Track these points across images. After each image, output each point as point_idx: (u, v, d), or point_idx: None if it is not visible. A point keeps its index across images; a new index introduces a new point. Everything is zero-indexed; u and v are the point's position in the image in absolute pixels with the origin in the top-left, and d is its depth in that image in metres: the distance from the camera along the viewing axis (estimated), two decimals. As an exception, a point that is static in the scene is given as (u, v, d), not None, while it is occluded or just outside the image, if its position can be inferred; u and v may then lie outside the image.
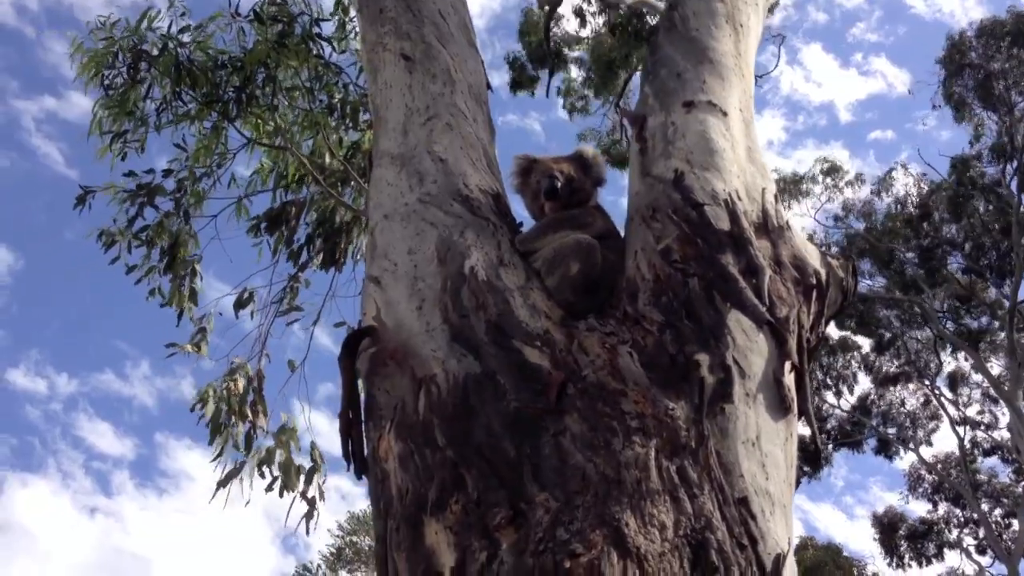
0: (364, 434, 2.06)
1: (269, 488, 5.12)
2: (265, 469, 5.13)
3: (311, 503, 5.15)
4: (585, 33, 13.64)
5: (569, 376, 1.91)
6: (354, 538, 25.51)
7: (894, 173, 21.86)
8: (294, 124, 5.51)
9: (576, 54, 14.13)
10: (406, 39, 3.11)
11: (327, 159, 5.39)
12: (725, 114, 2.73)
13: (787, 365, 2.05)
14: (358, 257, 5.83)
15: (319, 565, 25.93)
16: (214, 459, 5.19)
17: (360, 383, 2.17)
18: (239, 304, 5.69)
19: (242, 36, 5.40)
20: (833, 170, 22.02)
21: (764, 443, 1.89)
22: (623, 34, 11.78)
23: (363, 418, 2.08)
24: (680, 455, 1.74)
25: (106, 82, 5.35)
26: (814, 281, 2.31)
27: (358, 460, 2.06)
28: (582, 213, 2.54)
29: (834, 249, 22.05)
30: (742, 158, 2.63)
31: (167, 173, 5.62)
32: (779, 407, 1.98)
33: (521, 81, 14.21)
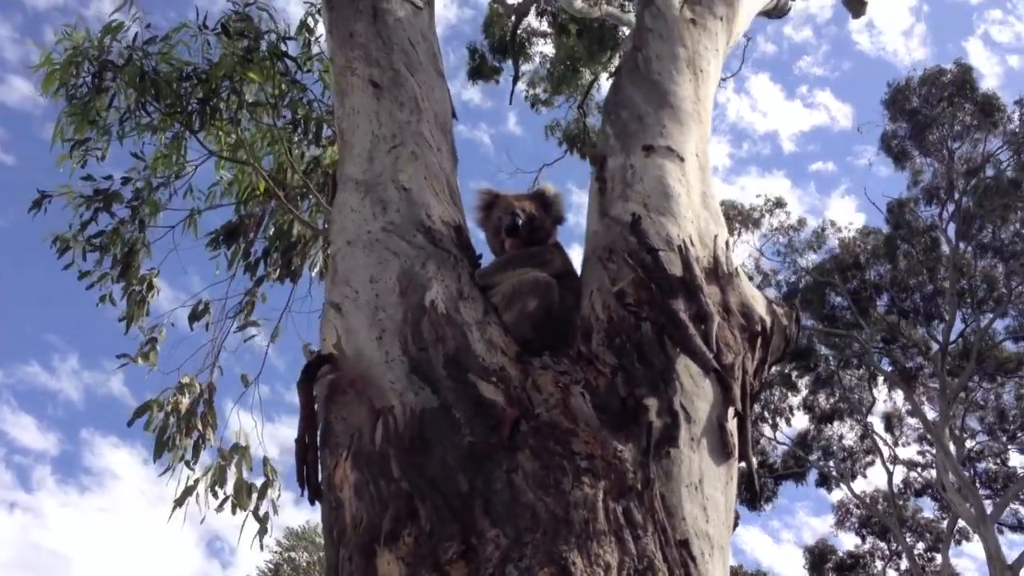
0: (320, 460, 2.11)
1: (220, 508, 5.12)
2: (217, 488, 5.12)
3: (263, 520, 5.15)
4: (548, 30, 13.69)
5: (523, 413, 1.97)
6: (292, 554, 25.33)
7: (830, 224, 22.67)
8: (256, 139, 5.52)
9: (540, 48, 14.19)
10: (375, 66, 3.16)
11: (288, 175, 5.41)
12: (682, 160, 2.83)
13: (731, 411, 2.14)
14: (314, 273, 5.86)
15: None
16: (162, 474, 5.18)
17: (317, 409, 2.21)
18: (194, 316, 5.69)
19: (207, 49, 5.41)
20: (779, 205, 22.68)
21: (706, 487, 1.97)
22: (587, 36, 11.99)
23: (319, 444, 2.13)
24: (627, 497, 1.82)
25: (70, 91, 5.32)
26: (759, 328, 2.40)
27: (312, 486, 2.10)
28: (542, 251, 2.62)
29: (779, 277, 22.64)
30: (696, 203, 2.72)
31: (125, 181, 5.61)
32: (721, 451, 2.07)
33: (482, 70, 14.20)
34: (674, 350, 2.15)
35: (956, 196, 20.54)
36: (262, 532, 5.15)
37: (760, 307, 2.48)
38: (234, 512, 5.11)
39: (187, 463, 5.22)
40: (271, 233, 5.59)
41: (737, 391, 2.17)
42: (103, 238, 5.52)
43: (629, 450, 1.90)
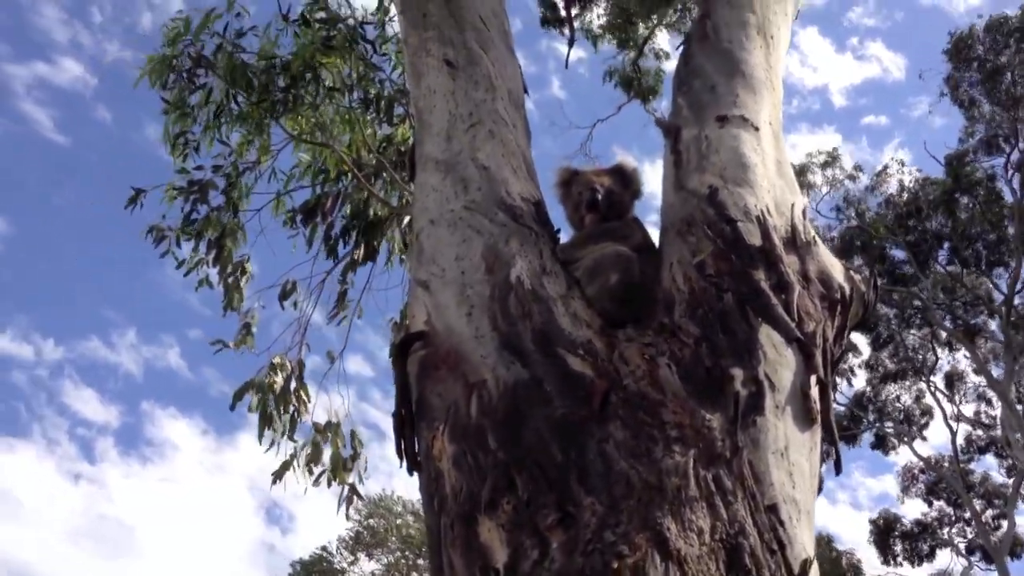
0: (416, 433, 2.21)
1: (316, 482, 5.33)
2: (312, 465, 5.32)
3: (353, 490, 5.33)
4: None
5: (611, 385, 2.05)
6: (371, 521, 26.11)
7: (889, 169, 22.18)
8: (333, 121, 5.64)
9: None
10: (449, 45, 3.23)
11: (363, 154, 5.53)
12: (757, 129, 2.85)
13: (813, 379, 2.18)
14: (393, 250, 5.99)
15: (338, 547, 26.67)
16: (267, 450, 5.39)
17: (411, 383, 2.31)
18: (283, 295, 5.87)
19: (288, 36, 5.56)
20: (832, 160, 22.33)
21: (792, 453, 2.03)
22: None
23: (415, 418, 2.23)
24: (716, 464, 1.88)
25: (169, 86, 5.52)
26: (838, 296, 2.44)
27: (410, 457, 2.20)
28: (621, 226, 2.67)
29: (832, 234, 22.32)
30: (772, 172, 2.75)
31: (216, 169, 5.79)
32: (805, 419, 2.12)
33: (550, 20, 14.90)
34: (756, 320, 2.20)
35: (1021, 144, 20.04)
36: (349, 501, 5.33)
37: (838, 274, 2.51)
38: (330, 485, 5.31)
39: (290, 437, 5.41)
40: (348, 212, 5.74)
41: (819, 359, 2.21)
42: (197, 224, 5.72)
43: (717, 419, 1.97)
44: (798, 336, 2.17)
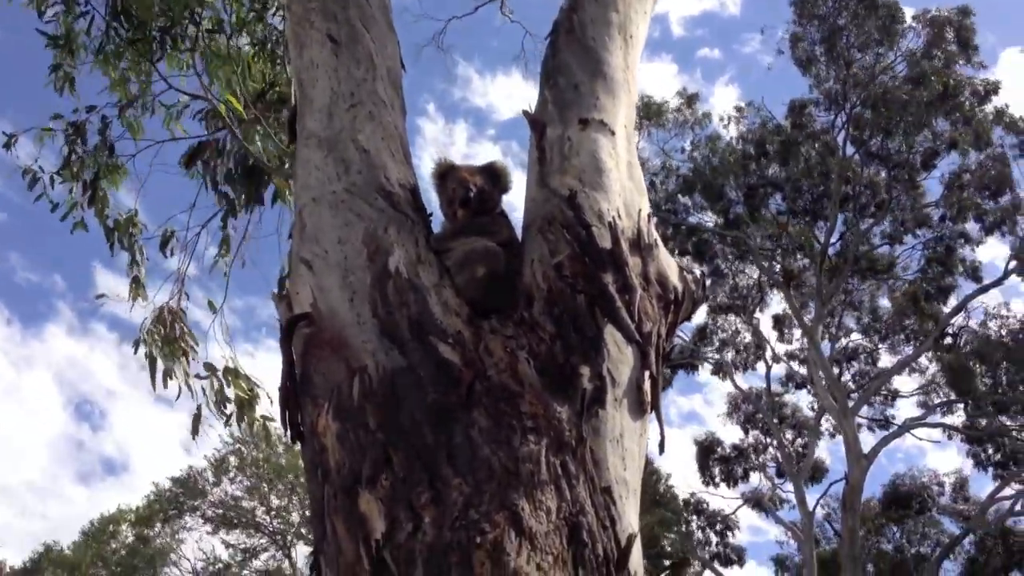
0: (300, 407, 2.46)
1: (227, 423, 5.52)
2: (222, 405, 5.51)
3: (265, 424, 5.55)
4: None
5: (477, 374, 2.35)
6: (242, 447, 27.22)
7: (731, 115, 23.38)
8: (213, 64, 5.62)
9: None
10: (332, 20, 3.37)
11: (239, 103, 5.55)
12: (613, 133, 3.16)
13: (647, 374, 2.56)
14: (281, 196, 6.07)
15: (205, 469, 27.67)
16: (177, 398, 5.53)
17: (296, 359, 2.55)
18: (164, 243, 5.91)
19: None
20: (691, 101, 23.29)
21: (625, 440, 2.40)
22: None
23: (299, 392, 2.47)
24: (563, 451, 2.23)
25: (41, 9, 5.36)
26: (672, 297, 2.81)
27: (294, 428, 2.46)
28: (491, 221, 2.96)
29: (681, 171, 23.42)
30: (624, 175, 3.08)
31: (90, 109, 5.68)
32: (638, 409, 2.50)
33: None
34: (603, 320, 2.54)
35: (849, 106, 21.40)
36: (227, 425, 5.60)
37: (674, 276, 2.88)
38: (239, 425, 5.53)
39: (188, 384, 5.54)
40: (231, 158, 5.78)
41: (653, 356, 2.59)
42: (73, 166, 5.62)
43: (566, 411, 2.30)
44: (637, 339, 2.53)
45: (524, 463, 2.15)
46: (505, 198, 3.16)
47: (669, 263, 2.93)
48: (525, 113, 3.33)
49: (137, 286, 5.88)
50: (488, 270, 2.68)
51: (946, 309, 22.82)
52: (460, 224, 2.95)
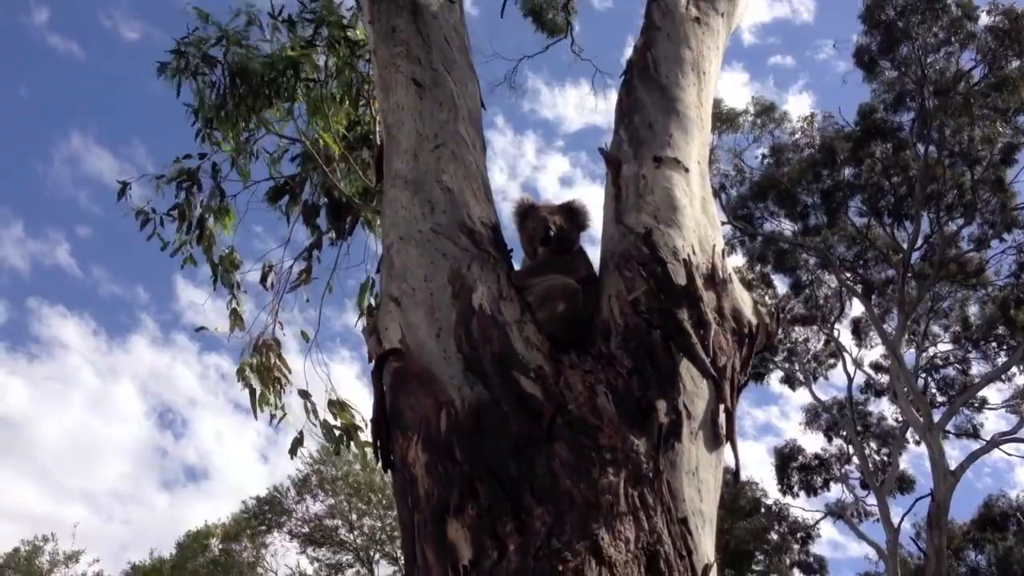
0: (391, 438, 2.61)
1: (337, 450, 5.97)
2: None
3: (373, 451, 5.86)
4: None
5: (558, 408, 2.47)
6: (321, 467, 28.05)
7: (815, 119, 23.04)
8: (307, 109, 6.00)
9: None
10: (416, 64, 3.54)
11: (330, 143, 5.89)
12: (687, 170, 3.27)
13: (722, 407, 2.65)
14: (359, 232, 6.42)
15: (288, 488, 28.66)
16: (274, 425, 5.91)
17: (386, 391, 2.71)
18: (263, 278, 6.30)
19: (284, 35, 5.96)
20: (766, 111, 23.12)
21: (701, 472, 2.50)
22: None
23: (389, 424, 2.63)
24: (641, 484, 2.33)
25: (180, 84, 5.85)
26: (747, 331, 2.90)
27: (385, 458, 2.61)
28: (570, 260, 3.09)
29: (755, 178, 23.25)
30: (698, 211, 3.18)
31: (202, 156, 6.13)
32: (713, 441, 2.59)
33: None
34: (678, 355, 2.64)
35: (926, 104, 21.02)
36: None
37: (748, 310, 2.97)
38: (349, 448, 5.87)
39: (283, 410, 5.90)
40: (319, 194, 6.17)
41: (727, 390, 2.68)
42: (181, 206, 6.05)
43: (643, 444, 2.41)
44: (712, 374, 2.62)
45: (603, 494, 2.26)
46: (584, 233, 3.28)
47: (743, 297, 3.02)
48: (601, 151, 3.45)
49: (235, 319, 6.22)
50: (568, 306, 2.80)
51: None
52: (540, 261, 3.08)
